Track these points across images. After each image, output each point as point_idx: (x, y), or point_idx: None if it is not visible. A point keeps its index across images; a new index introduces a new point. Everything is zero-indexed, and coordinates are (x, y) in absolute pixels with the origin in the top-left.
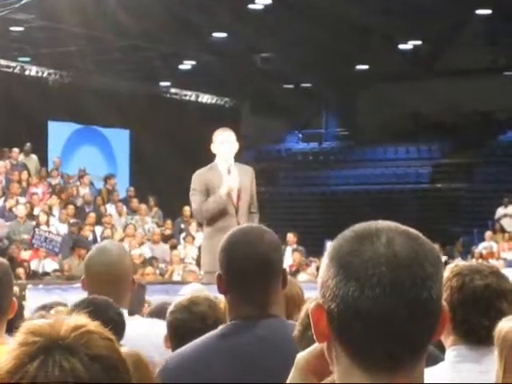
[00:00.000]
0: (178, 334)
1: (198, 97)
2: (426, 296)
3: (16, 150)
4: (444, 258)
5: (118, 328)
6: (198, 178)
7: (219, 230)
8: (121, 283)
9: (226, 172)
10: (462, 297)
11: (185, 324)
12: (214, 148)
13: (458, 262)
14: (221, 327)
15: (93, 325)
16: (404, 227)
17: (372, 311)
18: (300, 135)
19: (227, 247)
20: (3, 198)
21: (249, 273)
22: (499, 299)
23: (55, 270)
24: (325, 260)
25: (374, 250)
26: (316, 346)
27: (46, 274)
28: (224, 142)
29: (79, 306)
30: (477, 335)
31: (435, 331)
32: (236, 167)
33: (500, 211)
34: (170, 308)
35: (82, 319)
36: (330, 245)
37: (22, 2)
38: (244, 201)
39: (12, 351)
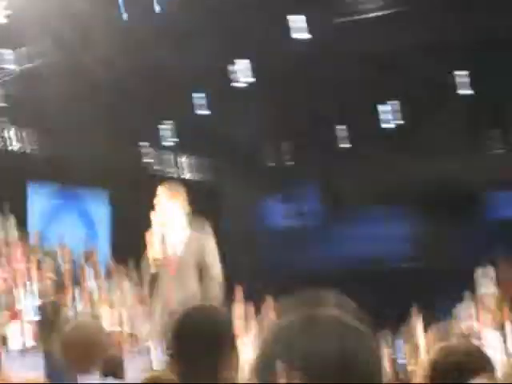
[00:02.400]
0: None
1: (176, 161)
2: None
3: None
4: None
5: None
6: None
7: (156, 297)
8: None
9: (160, 239)
10: (434, 374)
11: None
12: None
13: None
14: None
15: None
16: (349, 318)
17: None
18: (283, 211)
19: None
20: None
21: None
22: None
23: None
24: (267, 337)
25: (321, 339)
26: None
27: None
28: (155, 205)
29: None
30: None
31: None
32: (181, 233)
33: (479, 271)
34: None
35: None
36: (275, 323)
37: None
38: (183, 270)
39: None
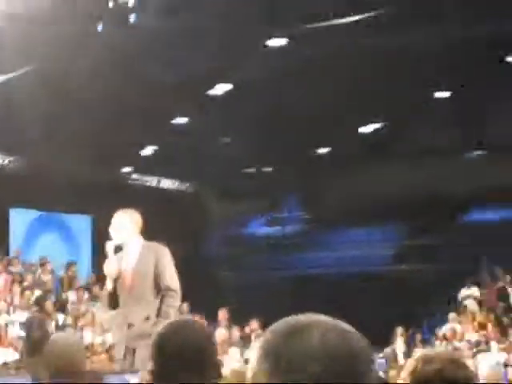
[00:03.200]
0: None
1: (159, 182)
2: None
3: None
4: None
5: None
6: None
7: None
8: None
9: (112, 254)
10: (414, 381)
11: None
12: None
13: (425, 349)
14: None
15: None
16: (337, 322)
17: None
18: (263, 219)
19: None
20: None
21: None
22: None
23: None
24: (257, 351)
25: (306, 345)
26: None
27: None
28: (113, 225)
29: None
30: None
31: None
32: (136, 247)
33: (464, 292)
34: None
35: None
36: (262, 337)
37: None
38: (139, 283)
39: None
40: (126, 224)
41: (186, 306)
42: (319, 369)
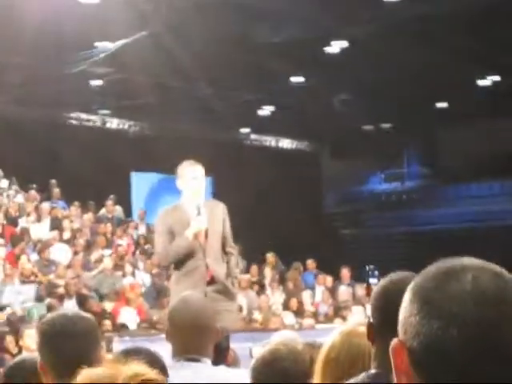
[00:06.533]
0: None
1: (277, 142)
2: None
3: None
4: None
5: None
6: (163, 218)
7: (186, 274)
8: (204, 333)
9: (196, 212)
10: None
11: (267, 380)
12: (181, 184)
13: None
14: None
15: (151, 373)
16: (489, 264)
17: (456, 351)
18: (382, 176)
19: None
20: (87, 251)
21: None
22: None
23: (141, 321)
24: (407, 296)
25: (460, 288)
26: None
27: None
28: (197, 178)
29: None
30: None
31: None
32: (205, 205)
33: None
34: (253, 362)
35: (141, 368)
36: (413, 281)
37: (101, 56)
38: (213, 241)
39: None
40: (202, 179)
41: (310, 262)
42: (471, 313)
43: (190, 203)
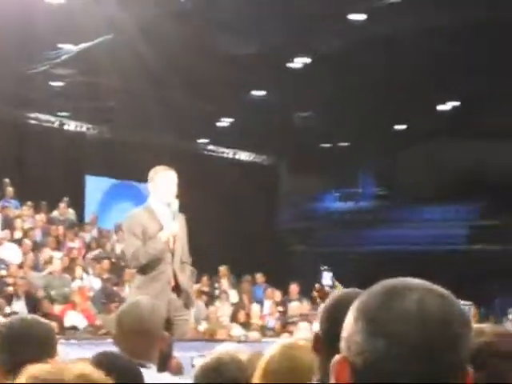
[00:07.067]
0: None
1: (235, 154)
2: (453, 358)
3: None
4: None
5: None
6: (136, 219)
7: (153, 279)
8: (151, 338)
9: (171, 216)
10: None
11: None
12: (153, 186)
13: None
14: None
15: (96, 374)
16: (434, 286)
17: (397, 370)
18: (337, 194)
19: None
20: (36, 252)
21: None
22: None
23: (88, 326)
24: (351, 313)
25: (405, 307)
26: None
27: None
28: (170, 183)
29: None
30: None
31: None
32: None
33: None
34: (196, 369)
35: (87, 367)
36: (358, 299)
37: (63, 58)
38: (179, 249)
39: None
40: (175, 185)
41: (260, 276)
42: (415, 333)
43: (160, 207)
